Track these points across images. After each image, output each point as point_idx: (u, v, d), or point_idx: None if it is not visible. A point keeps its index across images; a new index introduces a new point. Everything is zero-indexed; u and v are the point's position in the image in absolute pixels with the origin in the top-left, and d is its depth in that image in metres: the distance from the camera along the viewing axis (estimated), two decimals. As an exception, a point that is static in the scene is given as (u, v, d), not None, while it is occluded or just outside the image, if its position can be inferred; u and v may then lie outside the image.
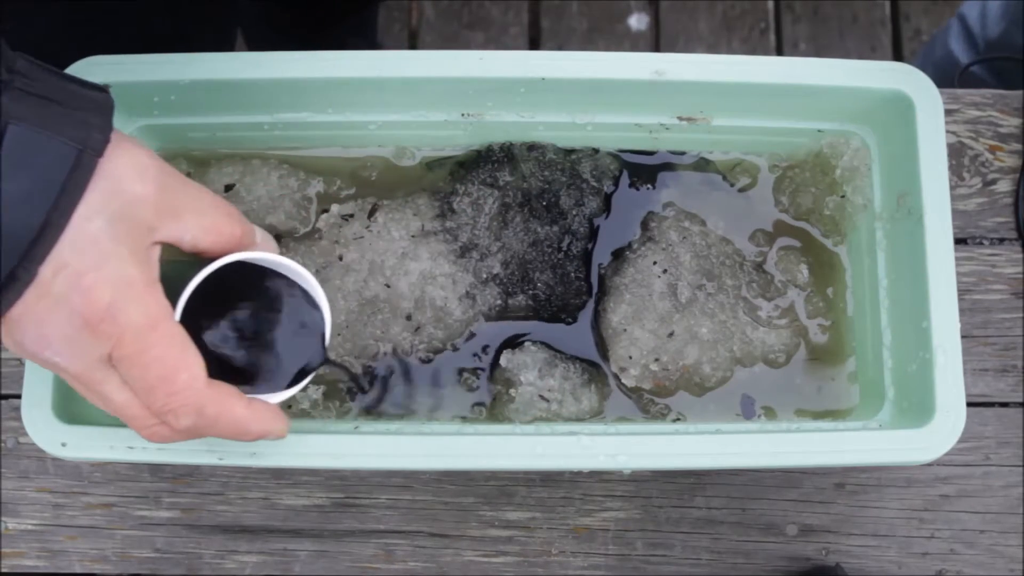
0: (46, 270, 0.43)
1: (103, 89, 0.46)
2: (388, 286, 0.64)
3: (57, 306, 0.44)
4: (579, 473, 0.67)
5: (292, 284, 0.52)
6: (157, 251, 0.47)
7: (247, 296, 0.51)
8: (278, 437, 0.51)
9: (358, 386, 0.63)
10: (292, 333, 0.52)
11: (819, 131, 0.66)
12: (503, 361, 0.63)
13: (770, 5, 1.57)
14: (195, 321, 0.48)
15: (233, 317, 0.50)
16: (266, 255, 0.51)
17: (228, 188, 0.65)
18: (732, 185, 0.68)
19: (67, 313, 0.44)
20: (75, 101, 0.44)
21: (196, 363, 0.47)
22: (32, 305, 0.44)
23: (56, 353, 0.45)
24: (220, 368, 0.49)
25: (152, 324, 0.45)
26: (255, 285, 0.51)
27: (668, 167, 0.67)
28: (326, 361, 0.53)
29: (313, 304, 0.52)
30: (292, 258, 0.64)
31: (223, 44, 0.90)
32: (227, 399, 0.48)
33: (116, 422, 0.61)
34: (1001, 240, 0.71)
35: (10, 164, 0.41)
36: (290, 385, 0.52)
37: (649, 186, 0.67)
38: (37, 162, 0.42)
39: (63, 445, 0.56)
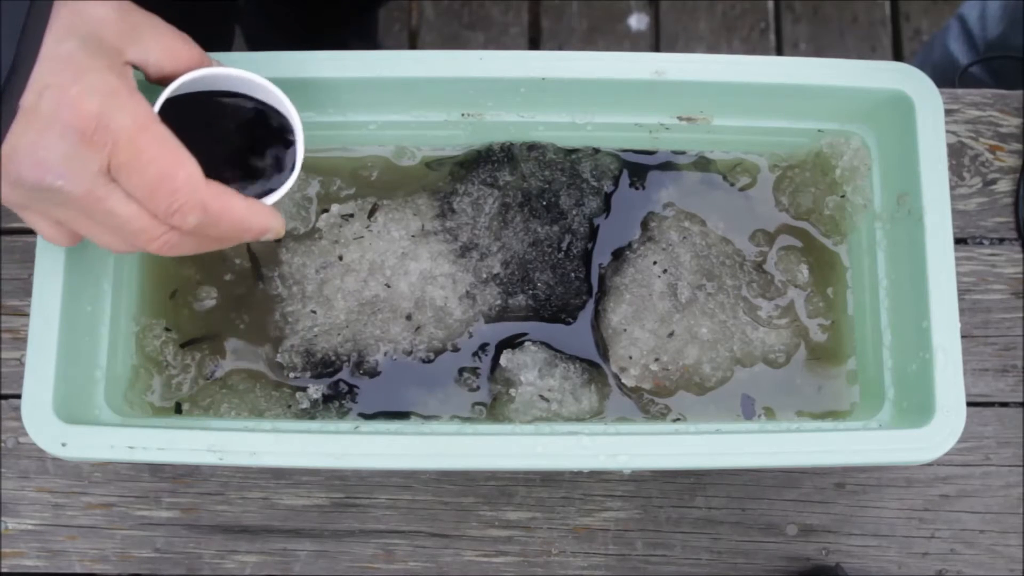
0: (29, 96, 0.44)
1: None
2: (388, 286, 0.64)
3: (49, 125, 0.45)
4: (579, 473, 0.67)
5: (259, 101, 0.54)
6: (131, 71, 0.48)
7: (218, 116, 0.53)
8: (276, 235, 0.53)
9: None
10: (267, 141, 0.54)
11: (819, 131, 0.66)
12: (503, 361, 0.63)
13: (770, 5, 1.57)
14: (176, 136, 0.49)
15: (208, 134, 0.52)
16: (231, 70, 0.52)
17: (228, 188, 0.65)
18: (732, 185, 0.68)
19: (60, 130, 0.45)
20: None
21: (191, 161, 0.48)
22: (22, 134, 0.45)
23: (57, 176, 0.46)
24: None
25: (142, 126, 0.46)
26: (223, 106, 0.54)
27: (668, 167, 0.67)
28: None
29: (281, 112, 0.54)
30: (292, 258, 0.64)
31: (222, 44, 0.90)
32: (227, 195, 0.49)
33: (116, 422, 0.61)
34: (1001, 240, 0.71)
35: None
36: (275, 190, 0.54)
37: (649, 186, 0.67)
38: None
39: (63, 445, 0.56)
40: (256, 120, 0.54)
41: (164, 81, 0.51)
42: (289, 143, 0.55)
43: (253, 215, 0.51)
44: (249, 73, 0.53)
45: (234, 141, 0.53)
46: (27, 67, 0.44)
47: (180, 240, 0.50)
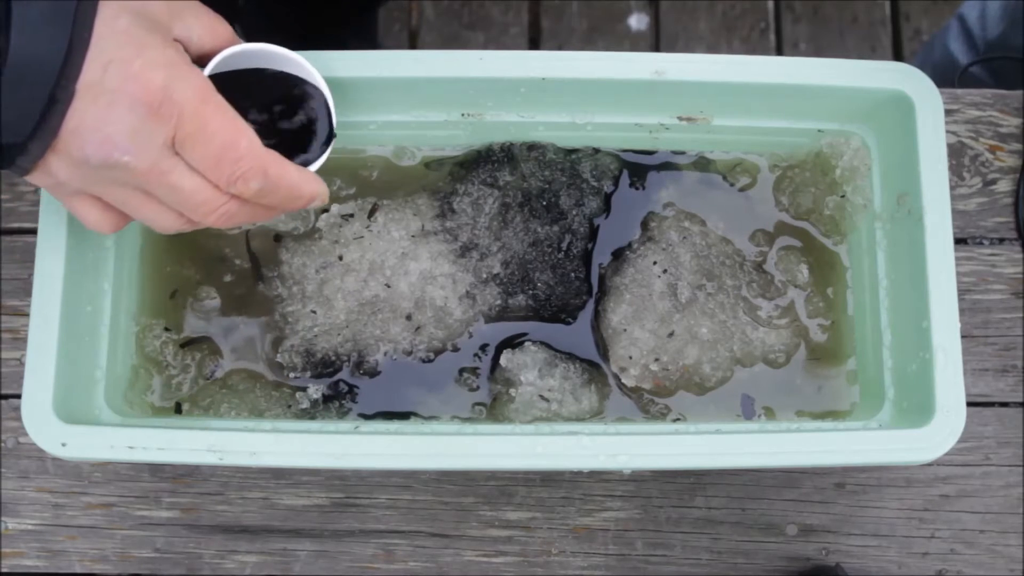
0: (91, 72, 0.45)
1: None
2: (388, 286, 0.64)
3: (115, 101, 0.45)
4: (579, 473, 0.67)
5: (288, 75, 0.56)
6: (180, 46, 0.49)
7: (253, 91, 0.54)
8: (323, 202, 0.54)
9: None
10: (300, 114, 0.55)
11: (819, 131, 0.66)
12: (503, 361, 0.63)
13: (770, 5, 1.57)
14: None
15: (246, 109, 0.52)
16: (267, 46, 0.54)
17: (228, 188, 0.65)
18: (732, 185, 0.68)
19: (127, 104, 0.45)
20: None
21: (249, 129, 0.49)
22: (86, 111, 0.45)
23: (124, 151, 0.46)
24: None
25: (204, 97, 0.47)
26: (257, 82, 0.55)
27: (668, 167, 0.67)
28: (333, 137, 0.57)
29: (313, 85, 0.56)
30: (292, 258, 0.64)
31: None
32: (282, 161, 0.51)
33: (116, 422, 0.61)
34: (1001, 240, 0.71)
35: None
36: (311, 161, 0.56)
37: (649, 186, 0.67)
38: None
39: (63, 445, 0.56)
40: (289, 94, 0.55)
41: (201, 59, 0.52)
42: (321, 115, 0.56)
43: (305, 180, 0.52)
44: (283, 49, 0.55)
45: (269, 114, 0.54)
46: (81, 50, 0.44)
47: (238, 210, 0.51)
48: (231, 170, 0.48)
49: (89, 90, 0.45)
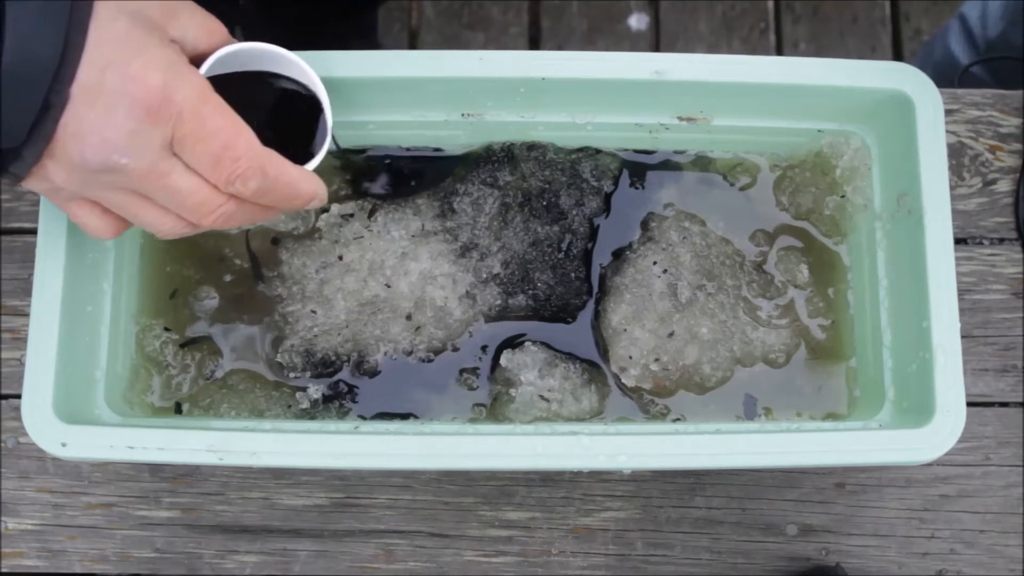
0: (89, 75, 0.44)
1: None
2: (388, 286, 0.64)
3: (114, 103, 0.45)
4: (579, 473, 0.67)
5: (283, 75, 0.55)
6: (177, 47, 0.49)
7: (248, 91, 0.54)
8: (321, 202, 0.53)
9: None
10: (296, 113, 0.55)
11: (819, 131, 0.66)
12: (503, 361, 0.63)
13: (770, 5, 1.57)
14: None
15: (242, 109, 0.52)
16: (261, 45, 0.54)
17: (228, 188, 0.65)
18: (732, 185, 0.68)
19: (126, 106, 0.45)
20: None
21: (247, 128, 0.49)
22: (87, 113, 0.45)
23: (122, 153, 0.46)
24: None
25: (203, 96, 0.47)
26: (252, 82, 0.55)
27: (668, 167, 0.67)
28: (336, 145, 0.57)
29: (307, 84, 0.55)
30: (292, 258, 0.64)
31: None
32: (280, 159, 0.50)
33: (116, 422, 0.61)
34: (1001, 240, 0.71)
35: None
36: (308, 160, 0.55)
37: (649, 186, 0.67)
38: None
39: (63, 445, 0.56)
40: (285, 93, 0.55)
41: (197, 59, 0.52)
42: (317, 114, 0.56)
43: (304, 179, 0.52)
44: (278, 48, 0.54)
45: (265, 114, 0.54)
46: (76, 52, 0.44)
47: (236, 210, 0.50)
48: (230, 169, 0.48)
49: (86, 93, 0.45)
